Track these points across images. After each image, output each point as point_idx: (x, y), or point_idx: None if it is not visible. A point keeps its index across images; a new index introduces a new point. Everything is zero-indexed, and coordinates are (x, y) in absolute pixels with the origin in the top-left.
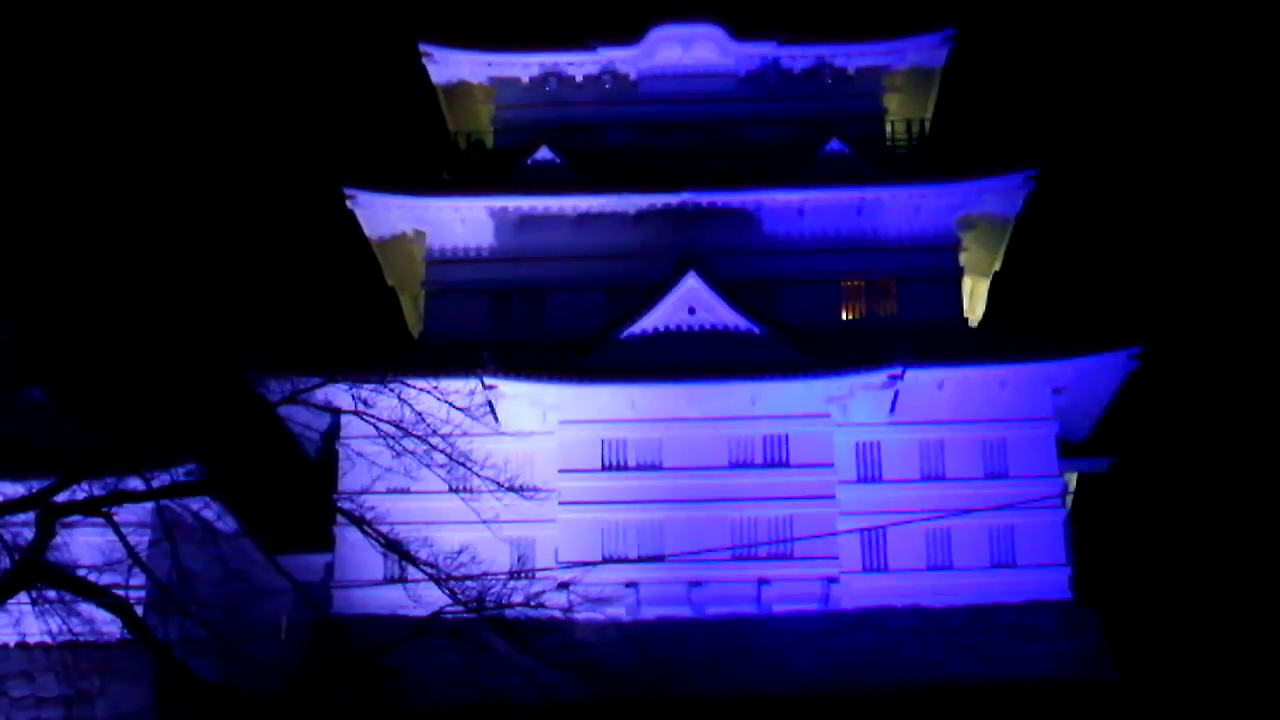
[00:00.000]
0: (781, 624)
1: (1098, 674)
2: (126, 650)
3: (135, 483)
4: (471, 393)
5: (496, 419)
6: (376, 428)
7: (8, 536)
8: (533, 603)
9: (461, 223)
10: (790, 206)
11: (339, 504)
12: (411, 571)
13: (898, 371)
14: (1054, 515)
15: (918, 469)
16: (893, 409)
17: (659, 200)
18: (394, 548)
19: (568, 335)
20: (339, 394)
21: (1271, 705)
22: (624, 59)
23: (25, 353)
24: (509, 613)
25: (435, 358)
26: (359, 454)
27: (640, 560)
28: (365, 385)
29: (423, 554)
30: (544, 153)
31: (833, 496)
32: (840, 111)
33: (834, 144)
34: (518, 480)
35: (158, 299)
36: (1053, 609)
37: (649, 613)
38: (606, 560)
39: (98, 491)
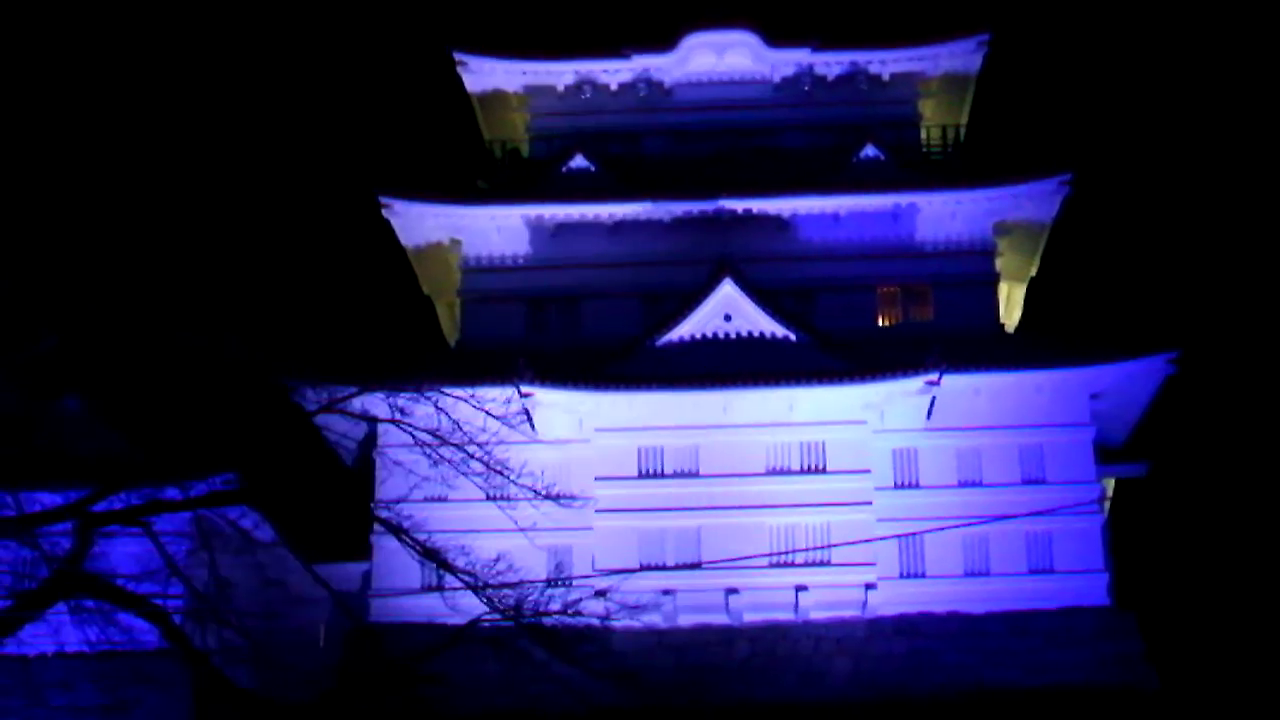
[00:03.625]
0: (819, 631)
1: (1137, 680)
2: (164, 659)
3: (173, 492)
4: (508, 401)
5: (533, 427)
6: (413, 436)
7: (46, 546)
8: (570, 610)
9: (497, 231)
10: (825, 213)
11: (376, 512)
12: (449, 580)
13: (934, 378)
14: (1092, 520)
15: (955, 475)
16: (929, 415)
17: (694, 208)
18: (431, 556)
19: (603, 343)
20: (376, 403)
21: None
22: (658, 66)
23: (63, 364)
24: (546, 620)
25: (472, 366)
26: (396, 462)
27: (677, 567)
28: (402, 394)
29: (460, 562)
30: (579, 161)
31: (870, 503)
32: (875, 117)
33: (869, 150)
34: (554, 488)
35: (195, 309)
36: (1091, 615)
37: (686, 620)
38: (644, 568)
39: (136, 501)
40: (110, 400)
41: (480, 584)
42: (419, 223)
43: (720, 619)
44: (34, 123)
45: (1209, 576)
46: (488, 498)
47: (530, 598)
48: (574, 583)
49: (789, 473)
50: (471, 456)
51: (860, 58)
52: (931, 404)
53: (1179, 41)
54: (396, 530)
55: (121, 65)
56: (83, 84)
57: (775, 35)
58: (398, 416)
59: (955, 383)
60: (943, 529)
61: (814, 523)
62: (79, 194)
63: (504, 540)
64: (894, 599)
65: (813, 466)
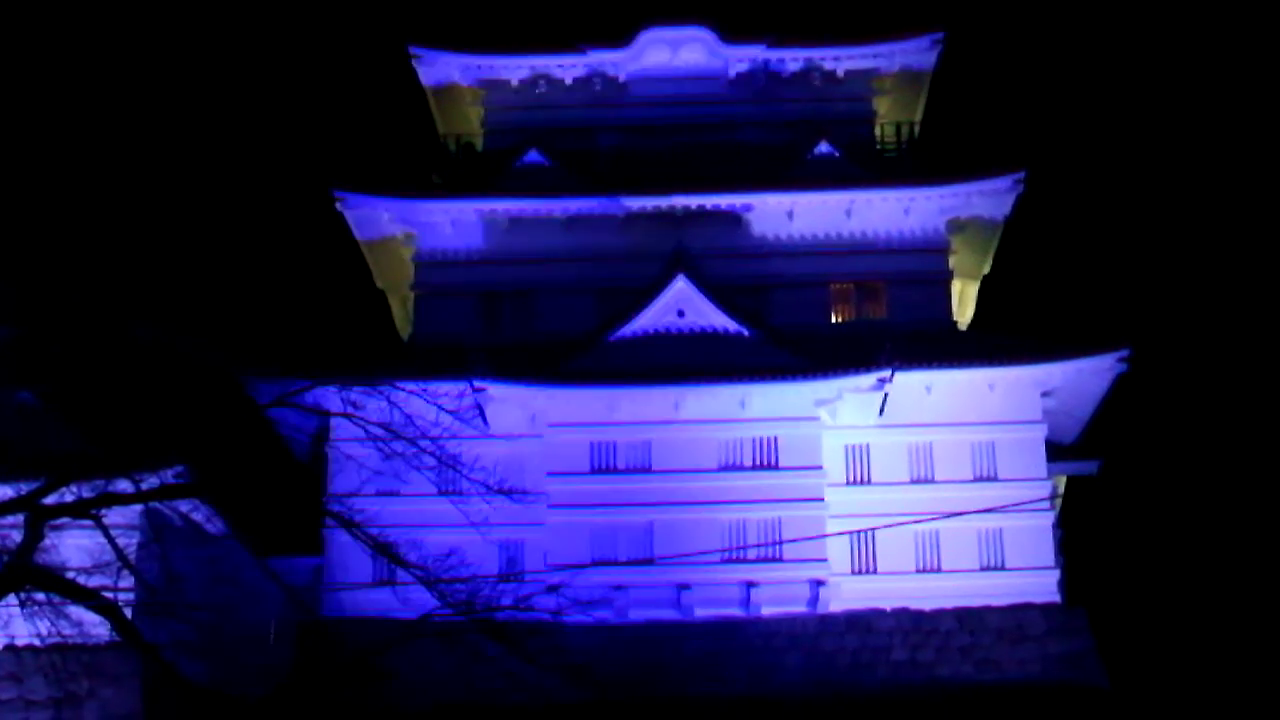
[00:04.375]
0: (770, 627)
1: (1086, 677)
2: (115, 653)
3: (124, 485)
4: (461, 395)
5: (486, 421)
6: (366, 430)
7: None
8: (522, 605)
9: (451, 225)
10: (780, 209)
11: (328, 506)
12: (401, 574)
13: (886, 374)
14: (1043, 518)
15: (906, 471)
16: (882, 412)
17: (648, 203)
18: (383, 550)
19: (557, 337)
20: (328, 396)
21: (1262, 708)
22: (613, 62)
23: (14, 355)
24: (498, 615)
25: (425, 360)
26: (348, 456)
27: (629, 563)
28: (355, 388)
29: (412, 556)
30: (533, 155)
31: (821, 499)
32: (830, 114)
33: (823, 146)
34: (507, 483)
35: (147, 301)
36: (1041, 611)
37: (637, 615)
38: (595, 563)
39: (86, 494)
40: (63, 393)
41: (432, 579)
42: (372, 216)
43: (672, 615)
44: None
45: (1160, 574)
46: (440, 492)
47: (482, 593)
48: (526, 578)
49: (741, 469)
50: (424, 451)
51: (815, 54)
52: (884, 401)
53: (1132, 39)
54: (348, 524)
55: (75, 56)
56: (34, 77)
57: (731, 31)
58: (350, 410)
59: (907, 379)
60: (894, 525)
61: (766, 519)
62: (32, 188)
63: (456, 535)
64: (845, 595)
65: (765, 462)
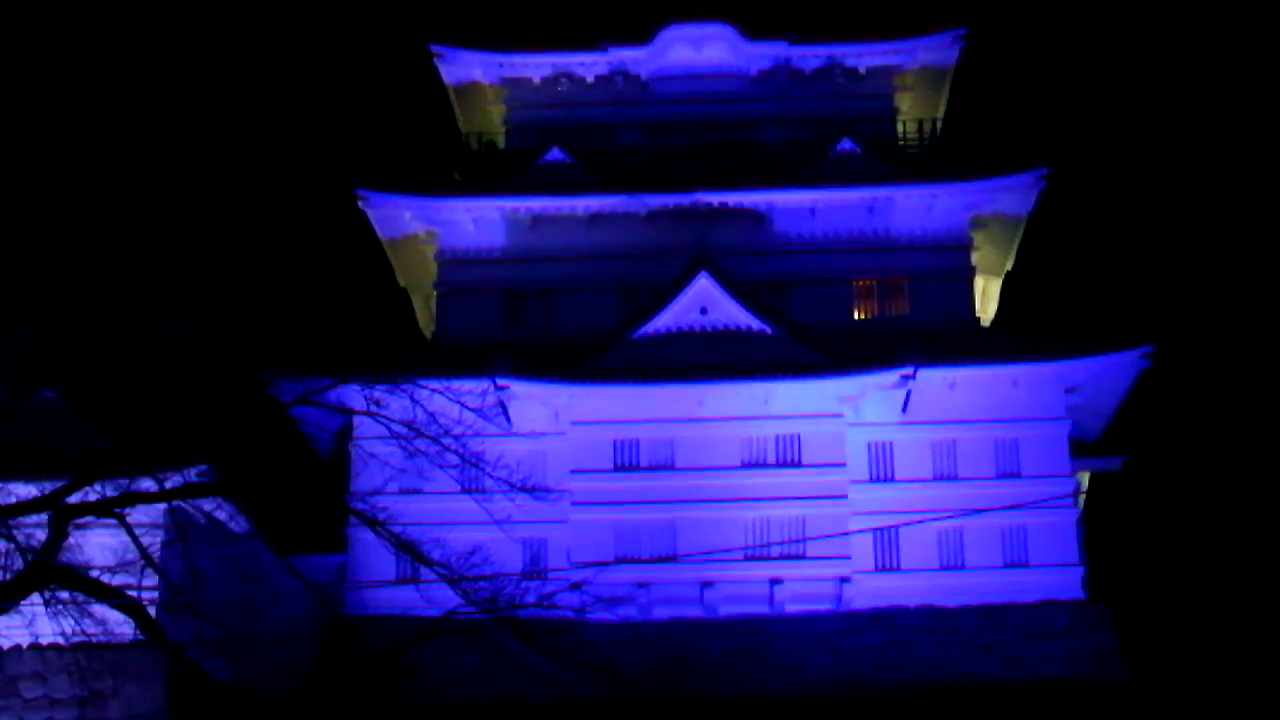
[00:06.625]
0: (794, 624)
1: (1110, 673)
2: (139, 651)
3: (148, 484)
4: (484, 393)
5: (509, 419)
6: (389, 428)
7: (21, 538)
8: (545, 603)
9: (473, 223)
10: (802, 206)
11: (351, 505)
12: (424, 572)
13: (910, 371)
14: (1066, 515)
15: (930, 469)
16: (905, 409)
17: (670, 200)
18: (407, 548)
19: (580, 335)
20: (351, 395)
21: None
22: (635, 59)
23: (38, 355)
24: (522, 613)
25: (448, 358)
26: (371, 455)
27: (652, 560)
28: (378, 386)
29: (435, 555)
30: (555, 153)
31: (845, 496)
32: (852, 111)
33: (845, 144)
34: (530, 481)
35: (170, 300)
36: (1065, 608)
37: (661, 613)
38: (619, 560)
39: (110, 493)
40: (86, 392)
41: (456, 576)
42: (395, 215)
43: (695, 612)
44: (10, 117)
45: (1184, 571)
46: (463, 490)
47: (506, 590)
48: (549, 575)
49: (764, 466)
50: (447, 449)
51: (837, 51)
52: (907, 398)
53: (1155, 35)
54: (372, 522)
55: (92, 57)
56: (55, 78)
57: (752, 29)
58: (373, 409)
59: (931, 376)
60: (918, 522)
61: (789, 516)
62: (56, 187)
63: (479, 533)
64: (869, 592)
65: (788, 460)
